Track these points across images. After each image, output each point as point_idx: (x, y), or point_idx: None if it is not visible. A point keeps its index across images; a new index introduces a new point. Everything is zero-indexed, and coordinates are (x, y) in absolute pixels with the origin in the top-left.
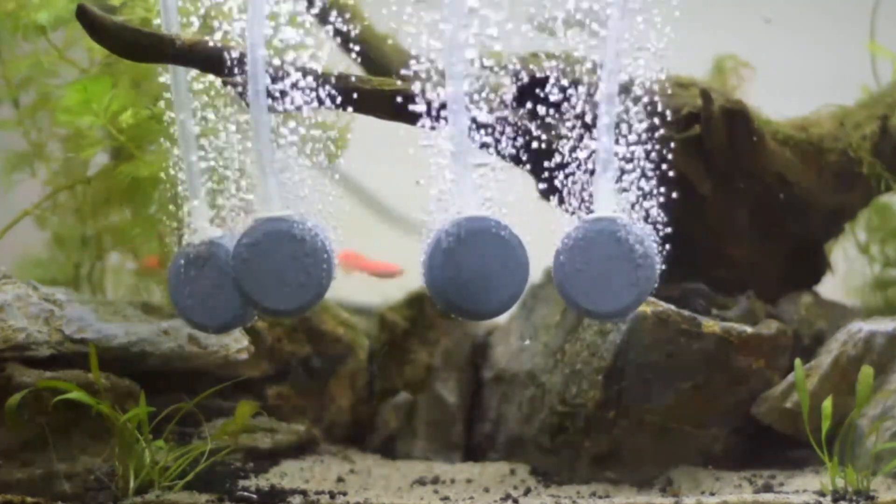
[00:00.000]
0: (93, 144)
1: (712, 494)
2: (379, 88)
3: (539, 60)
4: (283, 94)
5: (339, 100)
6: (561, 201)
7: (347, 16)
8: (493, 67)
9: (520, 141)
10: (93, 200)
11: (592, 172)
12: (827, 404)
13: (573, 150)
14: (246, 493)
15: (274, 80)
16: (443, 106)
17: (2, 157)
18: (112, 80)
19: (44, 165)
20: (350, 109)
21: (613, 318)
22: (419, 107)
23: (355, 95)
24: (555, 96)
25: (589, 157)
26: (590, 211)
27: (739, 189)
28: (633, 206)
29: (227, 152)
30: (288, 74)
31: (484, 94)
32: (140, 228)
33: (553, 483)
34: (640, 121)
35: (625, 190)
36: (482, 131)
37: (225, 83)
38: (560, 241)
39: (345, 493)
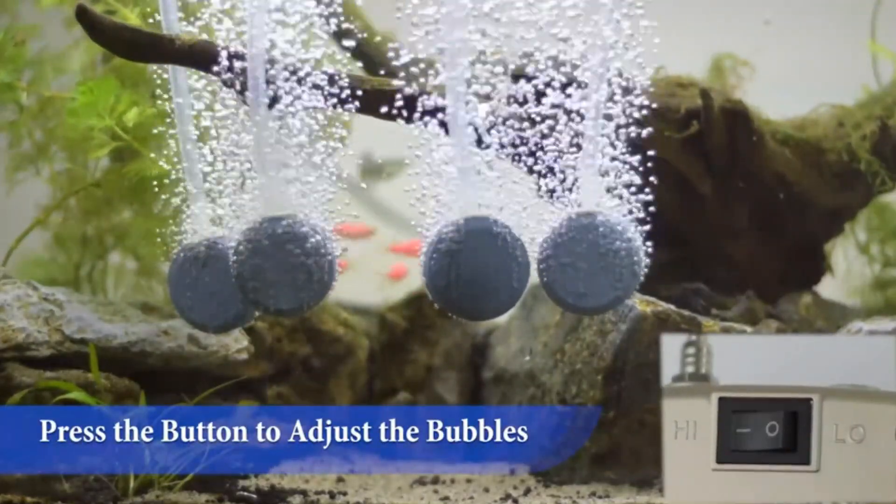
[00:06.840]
0: (101, 146)
1: None
2: (379, 88)
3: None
4: (284, 93)
5: (339, 100)
6: (552, 195)
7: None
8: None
9: (518, 139)
10: (99, 202)
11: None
12: None
13: (563, 145)
14: (246, 493)
15: (274, 79)
16: (441, 106)
17: (2, 158)
18: (118, 81)
19: (47, 166)
20: (351, 109)
21: (597, 313)
22: (419, 106)
23: (356, 95)
24: (548, 94)
25: (576, 151)
26: (577, 205)
27: (739, 189)
28: (621, 200)
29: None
30: (288, 73)
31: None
32: (146, 228)
33: (553, 483)
34: (638, 119)
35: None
36: (481, 129)
37: (224, 83)
38: (545, 236)
39: (345, 493)
